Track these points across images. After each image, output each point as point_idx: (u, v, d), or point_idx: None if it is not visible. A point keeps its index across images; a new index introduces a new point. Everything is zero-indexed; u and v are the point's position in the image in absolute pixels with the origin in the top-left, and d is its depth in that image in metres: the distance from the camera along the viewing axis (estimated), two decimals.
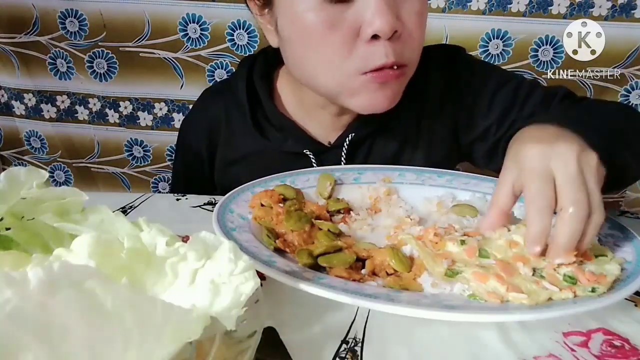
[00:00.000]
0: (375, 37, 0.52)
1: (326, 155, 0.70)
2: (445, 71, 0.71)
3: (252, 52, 1.21)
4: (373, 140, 0.70)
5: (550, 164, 0.41)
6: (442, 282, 0.40)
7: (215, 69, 1.26)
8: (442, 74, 0.71)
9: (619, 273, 0.40)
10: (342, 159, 0.70)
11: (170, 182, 0.98)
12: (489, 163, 0.72)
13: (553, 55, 1.18)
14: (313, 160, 0.69)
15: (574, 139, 0.42)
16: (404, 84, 0.60)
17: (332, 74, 0.56)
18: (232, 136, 0.75)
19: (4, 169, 0.46)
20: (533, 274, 0.40)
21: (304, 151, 0.69)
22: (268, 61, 0.72)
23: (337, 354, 0.34)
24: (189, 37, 1.23)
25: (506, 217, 0.44)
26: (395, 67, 0.55)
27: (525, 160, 0.42)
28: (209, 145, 0.77)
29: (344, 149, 0.69)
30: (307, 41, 0.55)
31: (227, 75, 1.25)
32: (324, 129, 0.71)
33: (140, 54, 1.26)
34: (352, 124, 0.69)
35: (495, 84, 0.69)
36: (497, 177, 0.62)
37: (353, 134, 0.68)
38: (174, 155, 0.89)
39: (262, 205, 0.52)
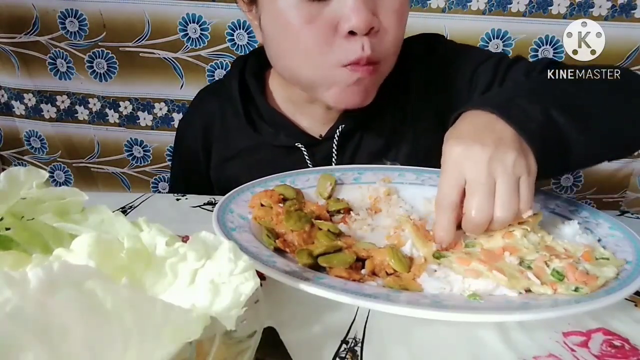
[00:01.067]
0: (352, 32, 0.54)
1: (318, 147, 0.71)
2: (426, 60, 0.71)
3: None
4: (363, 132, 0.71)
5: (463, 167, 0.42)
6: (431, 264, 0.42)
7: (215, 69, 1.26)
8: (422, 64, 0.71)
9: (612, 276, 0.40)
10: (333, 151, 0.70)
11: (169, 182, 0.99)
12: None
13: (553, 55, 1.18)
14: (305, 153, 0.70)
15: (494, 134, 0.42)
16: (377, 82, 0.62)
17: (312, 66, 0.58)
18: (226, 133, 0.76)
19: (4, 169, 0.46)
20: (520, 264, 0.41)
21: (296, 144, 0.70)
22: (259, 61, 0.73)
23: (337, 354, 0.34)
24: (189, 37, 1.23)
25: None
26: (370, 64, 0.56)
27: (443, 160, 0.44)
28: (205, 144, 0.78)
29: (334, 141, 0.70)
30: (287, 36, 0.57)
31: None
32: (315, 122, 0.72)
33: (140, 54, 1.26)
34: (342, 115, 0.70)
35: (474, 63, 0.69)
36: None
37: (343, 125, 0.69)
38: (172, 155, 0.90)
39: (262, 205, 0.52)
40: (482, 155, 0.41)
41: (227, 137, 0.76)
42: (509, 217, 0.42)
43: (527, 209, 0.43)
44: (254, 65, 0.74)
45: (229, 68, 0.78)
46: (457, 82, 0.70)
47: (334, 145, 0.70)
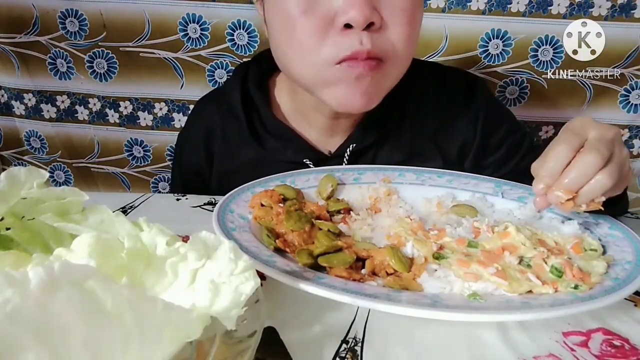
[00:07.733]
0: (348, 26, 0.51)
1: (326, 164, 0.69)
2: (462, 99, 0.71)
3: (252, 52, 1.21)
4: (376, 152, 0.70)
5: (588, 127, 0.45)
6: (431, 263, 0.42)
7: (215, 69, 1.26)
8: (458, 100, 0.71)
9: (604, 272, 0.41)
10: None
11: (170, 182, 0.98)
12: None
13: (553, 55, 1.18)
14: None
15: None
16: (382, 84, 0.57)
17: (306, 61, 0.55)
18: (228, 146, 0.74)
19: (4, 169, 0.46)
20: (520, 263, 0.41)
21: (304, 160, 0.68)
22: (262, 68, 0.70)
23: (337, 354, 0.34)
24: (189, 37, 1.23)
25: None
26: (372, 59, 0.53)
27: (563, 129, 0.47)
28: (207, 157, 0.76)
29: (345, 158, 0.68)
30: (283, 26, 0.55)
31: (228, 76, 1.25)
32: (323, 134, 0.70)
33: (140, 54, 1.25)
34: (353, 133, 0.69)
35: (506, 129, 0.73)
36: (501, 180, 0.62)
37: (354, 145, 0.67)
38: (171, 166, 0.87)
39: (262, 205, 0.52)
40: (609, 129, 0.45)
41: (228, 149, 0.73)
42: (606, 186, 0.43)
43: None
44: (256, 74, 0.71)
45: (230, 77, 0.75)
46: (485, 138, 0.72)
47: (344, 162, 0.69)
